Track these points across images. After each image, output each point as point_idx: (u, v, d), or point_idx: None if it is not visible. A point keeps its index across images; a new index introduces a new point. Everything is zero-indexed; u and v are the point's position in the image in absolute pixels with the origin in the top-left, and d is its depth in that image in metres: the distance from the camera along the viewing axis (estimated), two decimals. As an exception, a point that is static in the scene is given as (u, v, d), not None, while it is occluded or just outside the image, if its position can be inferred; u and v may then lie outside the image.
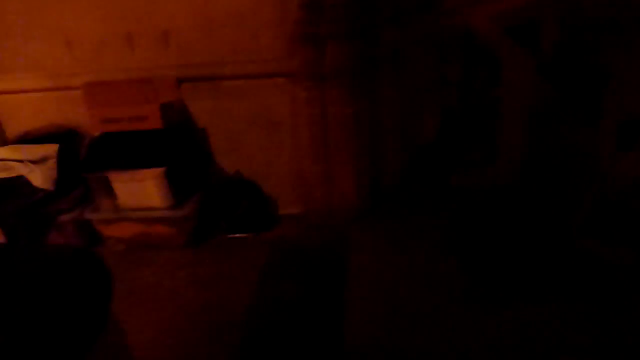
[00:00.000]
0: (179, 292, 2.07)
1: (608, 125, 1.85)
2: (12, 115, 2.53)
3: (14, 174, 2.24)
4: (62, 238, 2.33)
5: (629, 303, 1.61)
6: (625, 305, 1.60)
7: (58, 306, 0.86)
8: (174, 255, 2.32)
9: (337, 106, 2.11)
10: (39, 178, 2.22)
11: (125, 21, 2.27)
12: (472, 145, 2.59)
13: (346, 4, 1.98)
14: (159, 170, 2.19)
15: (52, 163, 2.29)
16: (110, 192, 2.28)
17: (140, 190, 2.21)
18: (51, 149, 2.32)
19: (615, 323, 1.54)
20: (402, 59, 2.27)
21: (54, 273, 0.89)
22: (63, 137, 2.41)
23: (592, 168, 1.97)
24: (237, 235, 2.44)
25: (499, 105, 2.25)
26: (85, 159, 2.32)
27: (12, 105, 2.52)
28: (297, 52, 2.11)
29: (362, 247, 2.18)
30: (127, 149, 2.24)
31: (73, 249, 1.03)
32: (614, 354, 1.41)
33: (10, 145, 2.43)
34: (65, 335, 0.87)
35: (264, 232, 2.46)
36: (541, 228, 2.00)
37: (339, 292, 1.93)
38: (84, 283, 0.93)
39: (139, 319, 1.90)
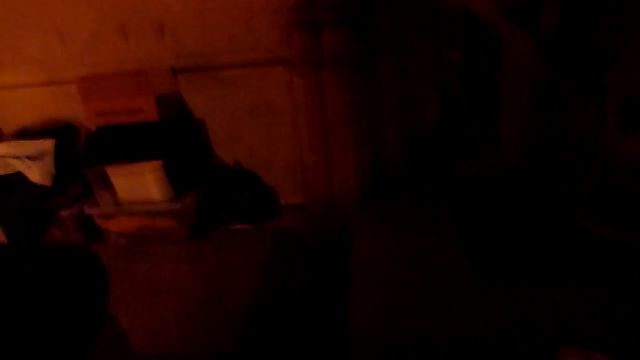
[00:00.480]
0: (181, 285, 2.06)
1: (611, 107, 1.82)
2: (7, 111, 2.51)
3: (11, 171, 2.23)
4: (62, 234, 2.32)
5: (632, 285, 1.59)
6: (628, 288, 1.59)
7: (53, 305, 0.84)
8: (176, 248, 2.31)
9: (336, 93, 2.08)
10: (37, 174, 2.21)
11: (118, 12, 2.23)
12: (474, 130, 2.56)
13: (342, -11, 1.94)
14: (157, 163, 2.17)
15: (49, 158, 2.27)
16: (109, 187, 2.26)
17: (139, 183, 2.19)
18: (48, 144, 2.30)
19: (618, 306, 1.53)
20: (401, 43, 2.23)
21: (48, 272, 0.88)
22: (60, 132, 2.39)
23: (596, 150, 1.94)
24: (239, 226, 2.43)
25: (500, 88, 2.22)
26: (83, 153, 2.31)
27: (6, 101, 2.49)
28: (294, 39, 2.07)
29: (364, 235, 2.17)
30: (125, 143, 2.21)
31: (66, 247, 1.01)
32: (616, 338, 1.39)
33: (6, 142, 2.42)
34: (62, 334, 0.86)
35: (266, 223, 2.44)
36: (544, 211, 1.98)
37: (343, 281, 1.92)
38: (78, 281, 0.91)
39: (141, 312, 1.90)
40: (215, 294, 1.98)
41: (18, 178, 2.22)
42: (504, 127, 2.23)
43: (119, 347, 1.24)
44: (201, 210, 2.39)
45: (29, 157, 2.24)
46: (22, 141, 2.35)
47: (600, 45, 1.92)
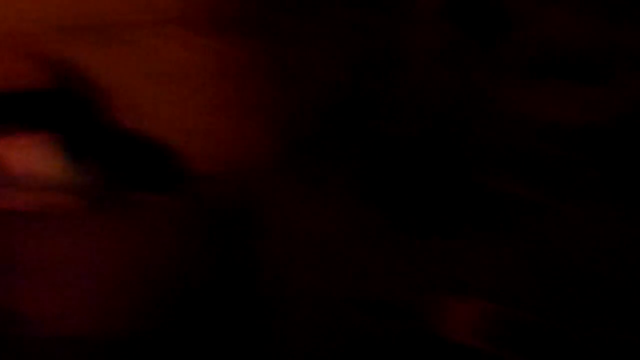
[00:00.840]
0: (86, 262, 1.95)
1: (507, 66, 1.91)
2: None
3: None
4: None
5: (523, 235, 1.73)
6: (520, 238, 1.72)
7: None
8: (77, 224, 2.16)
9: (240, 55, 2.02)
10: None
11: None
12: (386, 90, 2.60)
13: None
14: (48, 134, 2.00)
15: None
16: (-6, 161, 2.06)
17: (29, 156, 2.02)
18: None
19: (509, 256, 1.65)
20: (311, 2, 2.19)
21: None
22: None
23: (493, 107, 2.05)
24: (145, 198, 2.32)
25: (405, 50, 2.26)
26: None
27: None
28: (195, -3, 1.97)
29: (279, 199, 2.16)
30: (9, 113, 2.02)
31: None
32: (509, 287, 1.51)
33: None
34: None
35: (173, 193, 2.35)
36: (447, 169, 2.07)
37: (257, 249, 1.92)
38: None
39: (45, 295, 1.78)
40: (121, 271, 1.90)
41: None
42: (411, 87, 2.28)
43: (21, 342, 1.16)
44: (102, 182, 2.25)
45: None
46: None
47: (504, 6, 2.00)
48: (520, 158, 1.96)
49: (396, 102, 2.35)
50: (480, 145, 2.06)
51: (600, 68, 1.95)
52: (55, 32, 2.08)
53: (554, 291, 1.49)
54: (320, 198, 2.13)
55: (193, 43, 2.05)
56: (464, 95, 2.11)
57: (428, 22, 2.20)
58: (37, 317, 1.61)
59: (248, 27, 1.98)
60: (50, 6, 2.07)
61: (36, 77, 1.95)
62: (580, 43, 1.96)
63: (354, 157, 2.30)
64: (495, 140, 1.98)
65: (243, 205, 2.24)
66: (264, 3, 1.99)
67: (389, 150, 2.26)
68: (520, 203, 1.83)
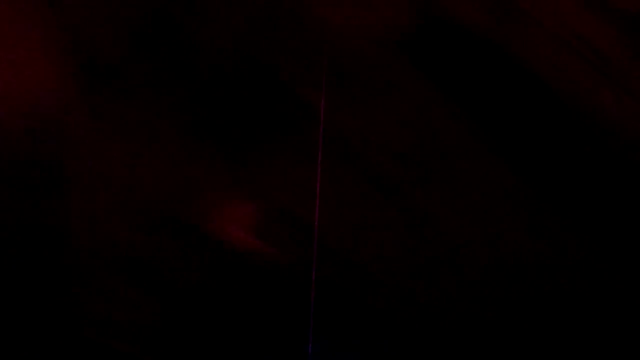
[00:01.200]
0: None
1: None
2: None
3: None
4: None
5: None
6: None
7: None
8: None
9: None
10: None
11: None
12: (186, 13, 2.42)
13: None
14: None
15: None
16: None
17: None
18: None
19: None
20: None
21: None
22: None
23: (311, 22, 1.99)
24: None
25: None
26: None
27: None
28: None
29: (79, 139, 1.93)
30: None
31: None
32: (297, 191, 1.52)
33: None
34: None
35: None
36: (266, 82, 2.01)
37: (57, 196, 1.71)
38: None
39: None
40: None
41: None
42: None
43: None
44: None
45: None
46: None
47: None
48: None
49: (197, 23, 2.19)
50: (298, 61, 2.00)
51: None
52: None
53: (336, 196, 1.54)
54: (127, 133, 1.94)
55: None
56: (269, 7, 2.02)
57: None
58: None
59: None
60: None
61: None
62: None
63: (162, 84, 2.11)
64: (304, 49, 1.94)
65: (40, 149, 1.94)
66: None
67: (198, 71, 2.10)
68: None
